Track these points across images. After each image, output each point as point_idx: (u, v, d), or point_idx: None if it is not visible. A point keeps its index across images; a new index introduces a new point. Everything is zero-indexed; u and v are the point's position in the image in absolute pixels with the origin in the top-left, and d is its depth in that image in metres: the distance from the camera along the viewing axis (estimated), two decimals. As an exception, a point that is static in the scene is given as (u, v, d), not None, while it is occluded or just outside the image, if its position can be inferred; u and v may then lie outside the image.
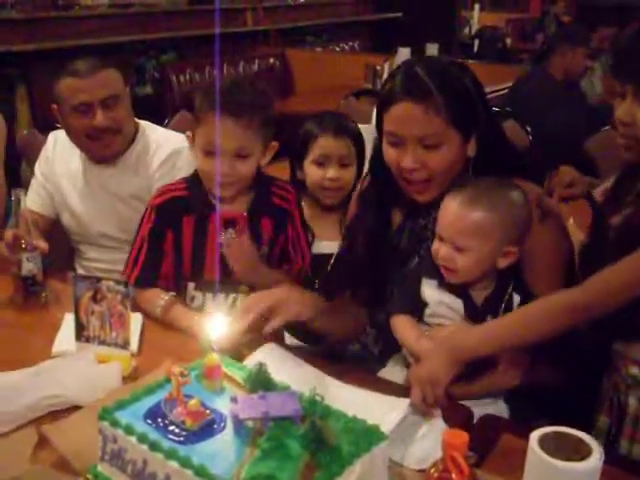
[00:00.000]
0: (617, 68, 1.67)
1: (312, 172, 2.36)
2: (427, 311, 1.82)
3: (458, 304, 1.78)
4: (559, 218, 1.87)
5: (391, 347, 1.94)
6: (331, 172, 2.32)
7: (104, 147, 2.49)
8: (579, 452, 1.18)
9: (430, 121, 1.77)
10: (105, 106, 2.43)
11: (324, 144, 2.34)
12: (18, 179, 3.02)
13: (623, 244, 1.56)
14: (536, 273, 1.80)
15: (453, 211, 1.72)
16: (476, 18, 10.22)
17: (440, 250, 1.75)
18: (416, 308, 1.83)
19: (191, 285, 2.11)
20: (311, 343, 2.29)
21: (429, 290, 1.81)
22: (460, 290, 1.78)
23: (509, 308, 1.76)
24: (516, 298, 1.78)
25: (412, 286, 1.84)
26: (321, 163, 2.35)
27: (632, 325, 1.63)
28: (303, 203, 2.42)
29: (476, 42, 9.27)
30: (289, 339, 2.36)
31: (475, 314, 1.77)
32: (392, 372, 1.90)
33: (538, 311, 1.62)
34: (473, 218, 1.69)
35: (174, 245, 2.09)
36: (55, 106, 2.49)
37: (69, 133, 2.53)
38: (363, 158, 2.35)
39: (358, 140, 2.35)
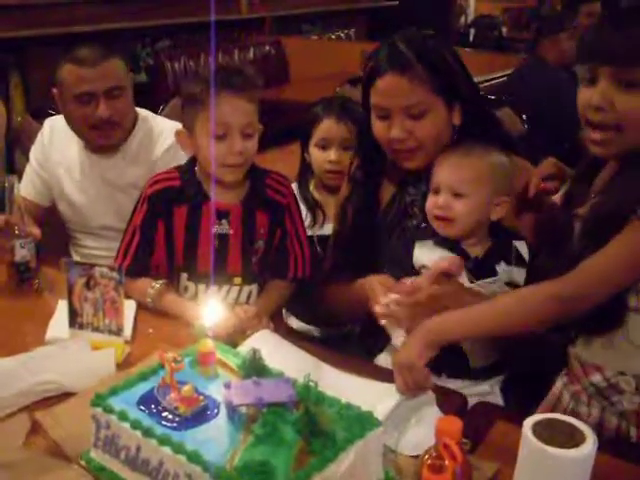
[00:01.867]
0: (587, 51, 1.59)
1: (315, 155, 2.39)
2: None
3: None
4: None
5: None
6: (332, 155, 2.35)
7: (104, 137, 2.47)
8: (573, 439, 1.18)
9: (414, 90, 1.87)
10: (109, 97, 2.40)
11: (326, 127, 2.36)
12: (12, 166, 3.01)
13: (592, 234, 1.55)
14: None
15: (450, 162, 1.84)
16: (472, 7, 10.20)
17: (438, 200, 1.82)
18: (407, 273, 1.85)
19: (184, 276, 2.10)
20: (317, 325, 2.30)
21: (424, 252, 1.84)
22: (455, 246, 1.83)
23: (520, 255, 1.83)
24: (522, 243, 1.85)
25: (403, 259, 1.85)
26: (323, 146, 2.37)
27: (594, 324, 1.60)
28: (312, 185, 2.44)
29: (472, 31, 9.25)
30: (295, 322, 2.37)
31: (475, 266, 1.81)
32: (389, 359, 1.90)
33: (517, 301, 1.61)
34: (470, 164, 1.82)
35: (165, 235, 2.07)
36: (55, 90, 2.47)
37: (69, 121, 2.51)
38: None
39: (360, 124, 2.35)
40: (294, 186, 2.43)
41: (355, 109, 2.36)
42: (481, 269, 1.81)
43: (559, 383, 1.71)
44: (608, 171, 1.64)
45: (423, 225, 1.92)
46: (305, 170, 2.51)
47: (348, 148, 2.34)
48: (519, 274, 1.82)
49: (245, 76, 1.97)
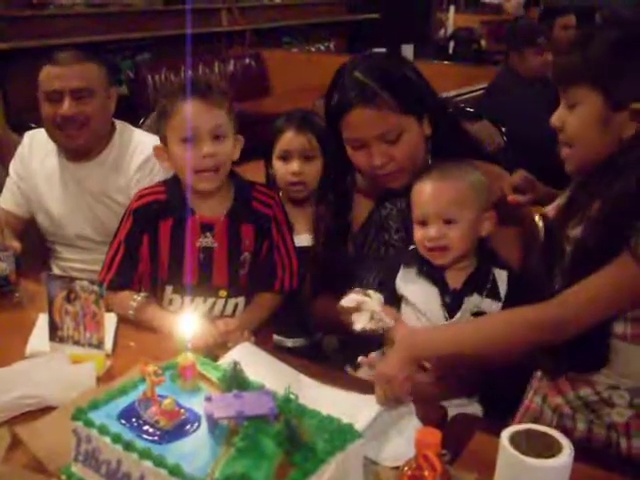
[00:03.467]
0: (554, 76, 1.70)
1: (277, 167, 2.39)
2: (402, 312, 1.85)
3: (434, 293, 1.80)
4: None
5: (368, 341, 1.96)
6: (294, 166, 2.34)
7: (68, 138, 2.48)
8: (550, 449, 1.19)
9: (385, 118, 1.88)
10: (75, 97, 2.42)
11: (287, 139, 2.35)
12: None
13: (582, 261, 1.56)
14: (504, 244, 1.90)
15: (431, 189, 1.82)
16: (451, 19, 10.25)
17: (429, 232, 1.81)
18: (391, 299, 1.87)
19: (169, 288, 2.11)
20: (297, 337, 2.31)
21: (405, 281, 1.85)
22: (438, 277, 1.83)
23: (495, 285, 1.82)
24: (502, 273, 1.84)
25: (386, 277, 1.88)
26: (285, 158, 2.36)
27: (578, 365, 1.62)
28: None
29: (451, 44, 9.29)
30: (275, 336, 2.37)
31: (452, 300, 1.81)
32: (368, 371, 1.92)
33: (502, 323, 1.63)
34: (451, 187, 1.81)
35: (150, 249, 2.08)
36: (38, 93, 2.49)
37: (42, 121, 2.53)
38: (327, 152, 2.36)
39: (322, 135, 2.36)
40: None
41: (315, 121, 2.38)
42: (457, 301, 1.82)
43: (536, 398, 1.72)
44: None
45: (412, 247, 1.91)
46: (270, 185, 2.51)
47: (310, 158, 2.34)
48: (489, 306, 1.81)
49: (210, 84, 2.00)
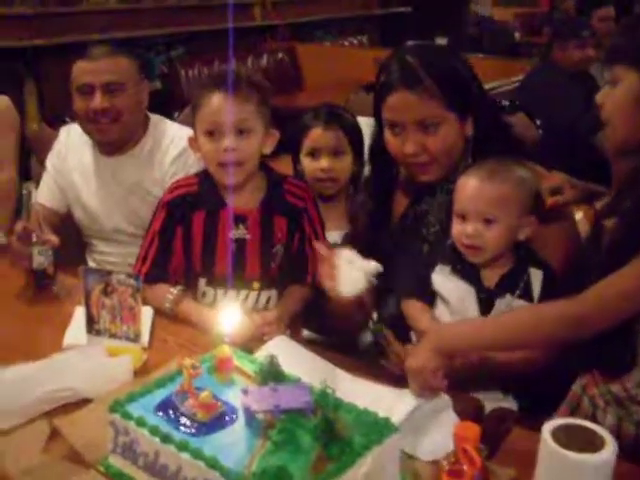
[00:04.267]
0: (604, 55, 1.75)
1: (306, 164, 2.37)
2: (436, 309, 1.84)
3: (469, 292, 1.79)
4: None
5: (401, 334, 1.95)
6: (323, 163, 2.32)
7: (100, 132, 2.49)
8: (592, 444, 1.18)
9: (425, 105, 1.87)
10: (107, 91, 2.43)
11: (314, 136, 2.33)
12: (28, 173, 3.03)
13: (615, 252, 1.55)
14: (545, 245, 1.86)
15: (475, 186, 1.79)
16: (486, 13, 10.17)
17: (467, 228, 1.79)
18: (426, 294, 1.86)
19: (202, 281, 2.11)
20: (325, 334, 2.30)
21: (441, 279, 1.83)
22: (472, 275, 1.81)
23: (528, 285, 1.79)
24: (537, 273, 1.81)
25: (422, 272, 1.87)
26: (313, 154, 2.35)
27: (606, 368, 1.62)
28: None
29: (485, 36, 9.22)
30: (304, 331, 2.37)
31: (486, 299, 1.79)
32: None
33: (528, 317, 1.62)
34: (497, 188, 1.77)
35: (184, 241, 2.09)
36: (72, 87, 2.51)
37: (75, 115, 2.55)
38: (360, 147, 2.35)
39: (351, 130, 2.34)
40: None
41: (343, 115, 2.36)
42: (491, 301, 1.80)
43: (578, 385, 1.71)
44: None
45: (449, 242, 1.89)
46: (300, 173, 2.49)
47: (338, 154, 2.32)
48: (520, 306, 1.78)
49: (239, 77, 1.99)
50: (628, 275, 1.48)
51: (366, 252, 2.05)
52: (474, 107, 1.94)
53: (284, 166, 2.37)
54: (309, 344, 1.94)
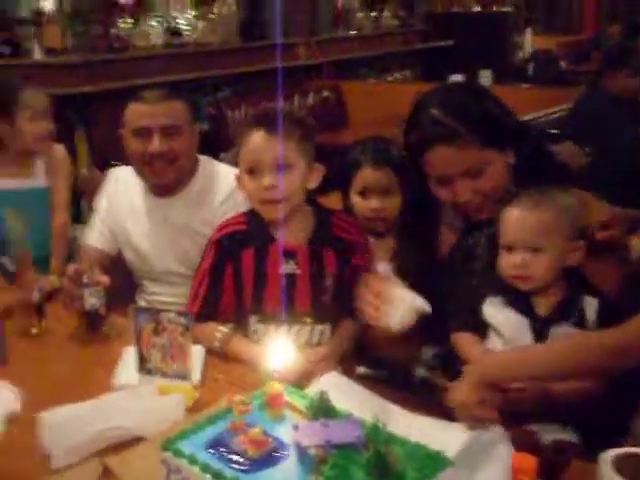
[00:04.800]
0: None
1: (356, 202, 2.36)
2: (489, 341, 1.82)
3: (523, 322, 1.76)
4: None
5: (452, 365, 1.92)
6: (373, 203, 2.30)
7: (156, 174, 2.51)
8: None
9: (466, 155, 1.87)
10: (164, 134, 2.45)
11: (364, 176, 2.32)
12: (78, 216, 3.09)
13: None
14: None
15: (520, 217, 1.78)
16: (528, 42, 10.16)
17: (513, 259, 1.78)
18: (477, 326, 1.84)
19: (253, 318, 2.11)
20: (378, 368, 2.28)
21: (492, 310, 1.81)
22: (525, 305, 1.79)
23: (582, 313, 1.76)
24: (592, 301, 1.78)
25: (472, 305, 1.84)
26: (363, 193, 2.34)
27: None
28: None
29: (530, 66, 9.20)
30: (359, 367, 2.35)
31: (541, 327, 1.76)
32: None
33: (574, 346, 1.59)
34: (541, 217, 1.76)
35: (234, 278, 2.09)
36: (122, 131, 2.54)
37: (129, 158, 2.57)
38: (408, 184, 2.34)
39: (400, 168, 2.33)
40: None
41: (392, 152, 2.34)
42: (545, 330, 1.77)
43: None
44: None
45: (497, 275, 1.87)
46: (350, 209, 2.49)
47: (388, 193, 2.31)
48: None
49: (285, 114, 2.01)
50: None
51: (415, 291, 2.05)
52: (511, 137, 1.93)
53: (334, 202, 2.38)
54: (362, 380, 1.93)
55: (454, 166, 1.88)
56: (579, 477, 1.43)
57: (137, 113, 2.48)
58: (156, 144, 2.45)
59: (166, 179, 2.53)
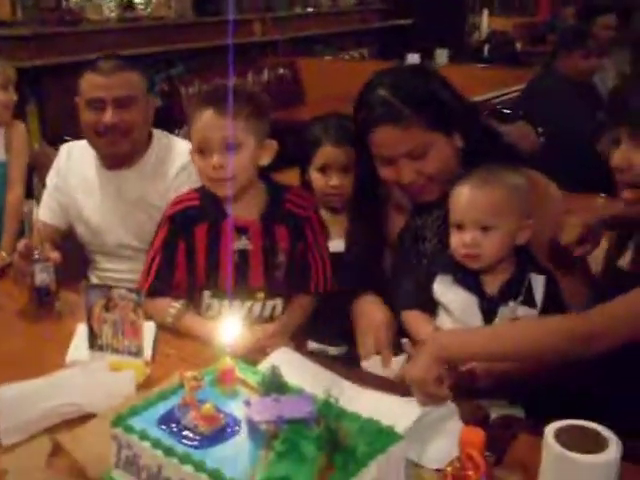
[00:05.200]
0: (611, 111, 1.64)
1: (315, 179, 2.37)
2: (438, 319, 1.84)
3: (472, 300, 1.78)
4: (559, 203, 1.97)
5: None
6: (333, 180, 2.32)
7: (109, 145, 2.49)
8: (596, 445, 1.17)
9: (411, 137, 1.88)
10: (118, 105, 2.43)
11: (325, 153, 2.33)
12: (30, 192, 3.06)
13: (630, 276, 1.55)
14: (544, 250, 1.87)
15: (470, 195, 1.80)
16: (485, 23, 10.21)
17: (464, 237, 1.79)
18: (427, 304, 1.87)
19: (206, 293, 2.11)
20: (330, 344, 2.30)
21: (442, 288, 1.82)
22: (474, 284, 1.81)
23: (531, 291, 1.79)
24: (539, 278, 1.80)
25: (422, 283, 1.86)
26: (323, 170, 2.34)
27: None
28: None
29: (486, 47, 9.25)
30: (311, 343, 2.36)
31: (489, 307, 1.78)
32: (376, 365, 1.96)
33: (533, 329, 1.61)
34: (490, 194, 1.78)
35: (187, 254, 2.09)
36: (77, 99, 2.51)
37: (83, 128, 2.54)
38: (359, 163, 2.35)
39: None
40: None
41: (352, 130, 2.36)
42: (494, 308, 1.80)
43: None
44: None
45: (448, 252, 1.88)
46: (308, 185, 2.49)
47: (348, 170, 2.32)
48: (524, 313, 1.78)
49: (234, 91, 1.98)
50: (627, 301, 1.48)
51: (365, 273, 2.08)
52: (459, 121, 1.94)
53: (288, 180, 2.37)
54: (314, 356, 1.94)
55: (397, 146, 1.90)
56: (526, 450, 1.45)
57: (91, 84, 2.45)
58: (109, 116, 2.42)
59: (119, 150, 2.51)
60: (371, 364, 1.96)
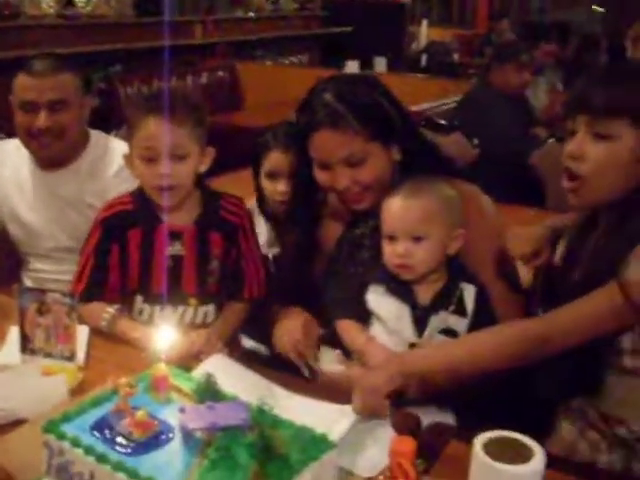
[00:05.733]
0: (570, 104, 1.65)
1: (265, 185, 2.38)
2: (372, 328, 1.86)
3: (404, 310, 1.81)
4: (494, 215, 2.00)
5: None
6: (281, 186, 2.33)
7: (42, 147, 2.47)
8: (522, 455, 1.20)
9: (350, 143, 1.89)
10: (51, 108, 2.40)
11: (273, 158, 2.35)
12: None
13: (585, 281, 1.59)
14: (476, 261, 1.89)
15: (401, 206, 1.81)
16: (424, 33, 10.33)
17: (397, 248, 1.81)
18: (361, 314, 1.88)
19: (139, 298, 2.09)
20: (267, 343, 2.30)
21: (375, 298, 1.85)
22: (406, 293, 1.82)
23: (462, 301, 1.81)
24: (469, 288, 1.83)
25: (356, 293, 1.88)
26: (272, 176, 2.36)
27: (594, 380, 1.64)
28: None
29: (424, 57, 9.36)
30: (247, 341, 2.36)
31: (421, 316, 1.81)
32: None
33: (491, 338, 1.65)
34: (422, 204, 1.80)
35: (120, 258, 2.07)
36: (11, 98, 2.48)
37: (15, 128, 2.51)
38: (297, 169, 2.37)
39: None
40: (254, 204, 2.46)
41: None
42: (426, 318, 1.81)
43: (571, 431, 1.73)
44: (602, 228, 1.65)
45: (381, 262, 1.90)
46: (261, 191, 2.50)
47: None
48: (455, 323, 1.81)
49: (180, 100, 1.99)
50: (589, 303, 1.53)
51: (296, 280, 2.09)
52: (398, 133, 1.96)
53: (225, 185, 2.37)
54: (249, 358, 1.94)
55: (336, 152, 1.91)
56: (457, 458, 1.48)
57: (24, 86, 2.42)
58: (42, 119, 2.40)
59: (53, 153, 2.48)
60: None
